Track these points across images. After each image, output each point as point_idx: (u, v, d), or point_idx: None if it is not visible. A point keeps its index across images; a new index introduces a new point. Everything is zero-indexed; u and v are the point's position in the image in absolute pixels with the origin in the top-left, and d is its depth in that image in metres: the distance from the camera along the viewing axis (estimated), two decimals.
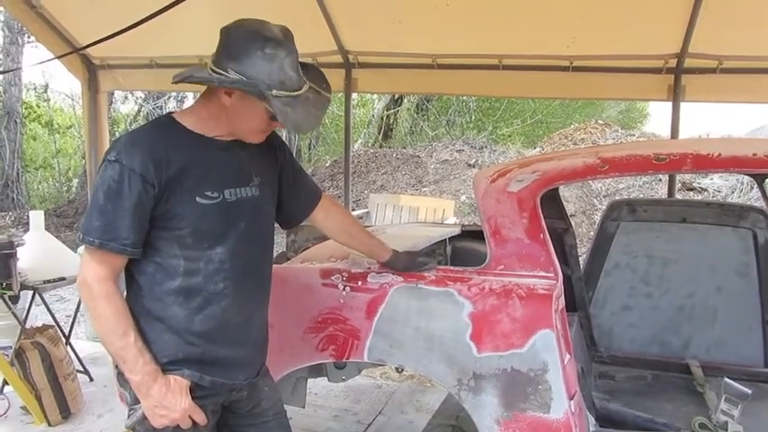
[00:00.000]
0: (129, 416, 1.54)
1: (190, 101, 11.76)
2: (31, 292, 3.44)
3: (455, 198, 9.03)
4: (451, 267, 2.04)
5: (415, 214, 6.12)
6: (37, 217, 3.96)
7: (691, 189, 8.99)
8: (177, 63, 4.14)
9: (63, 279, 3.45)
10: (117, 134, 11.53)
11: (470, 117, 15.45)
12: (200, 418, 1.52)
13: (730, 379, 2.20)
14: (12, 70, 11.37)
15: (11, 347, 3.39)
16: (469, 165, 10.73)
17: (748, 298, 2.70)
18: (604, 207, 3.29)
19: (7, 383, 3.30)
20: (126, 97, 14.19)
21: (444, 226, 3.41)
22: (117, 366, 1.51)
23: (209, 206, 1.50)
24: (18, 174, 12.11)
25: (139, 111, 13.80)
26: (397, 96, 13.67)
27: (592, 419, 2.08)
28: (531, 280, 1.87)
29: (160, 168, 1.43)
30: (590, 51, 4.09)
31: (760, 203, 4.27)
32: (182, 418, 1.48)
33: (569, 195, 8.86)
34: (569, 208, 8.09)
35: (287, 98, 1.45)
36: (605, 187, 9.59)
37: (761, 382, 2.54)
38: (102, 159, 1.47)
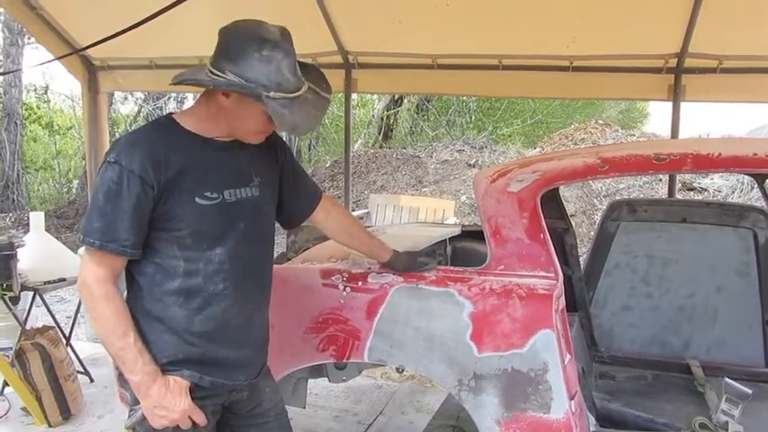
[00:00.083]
0: (129, 416, 1.54)
1: (190, 102, 11.74)
2: (32, 293, 3.44)
3: (455, 198, 9.02)
4: (452, 267, 2.04)
5: (416, 214, 6.12)
6: (37, 218, 3.96)
7: (691, 189, 8.99)
8: (177, 64, 4.14)
9: (63, 280, 3.45)
10: (117, 135, 11.52)
11: (470, 117, 15.44)
12: (200, 418, 1.52)
13: (731, 379, 2.20)
14: (12, 72, 11.36)
15: (11, 348, 3.40)
16: (470, 165, 10.72)
17: (749, 298, 2.70)
18: (604, 207, 3.29)
19: (8, 384, 3.30)
20: (126, 98, 14.19)
21: (444, 226, 3.41)
22: (117, 367, 1.51)
23: (209, 207, 1.50)
24: (18, 175, 12.10)
25: (139, 111, 13.79)
26: (397, 97, 13.66)
27: (592, 419, 2.08)
28: (532, 280, 1.87)
29: (159, 170, 1.43)
30: (590, 51, 4.09)
31: (760, 203, 4.28)
32: (181, 418, 1.48)
33: (569, 195, 8.86)
34: (569, 208, 8.08)
35: (284, 100, 1.44)
36: (605, 187, 9.58)
37: (761, 382, 2.54)
38: (103, 160, 1.47)
